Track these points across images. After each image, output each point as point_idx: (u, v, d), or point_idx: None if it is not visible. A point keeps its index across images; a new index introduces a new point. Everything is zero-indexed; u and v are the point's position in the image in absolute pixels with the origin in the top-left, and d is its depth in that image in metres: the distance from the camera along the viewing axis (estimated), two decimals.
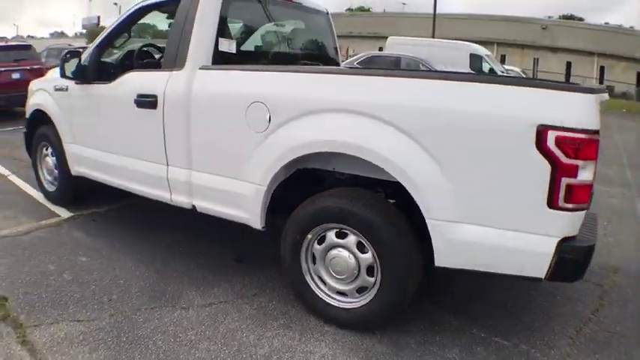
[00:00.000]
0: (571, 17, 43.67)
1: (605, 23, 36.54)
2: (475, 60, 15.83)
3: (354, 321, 2.42)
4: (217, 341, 2.36)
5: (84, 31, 52.05)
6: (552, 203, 1.91)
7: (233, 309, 2.66)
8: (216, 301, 2.74)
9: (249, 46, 3.45)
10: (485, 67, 15.95)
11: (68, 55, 3.41)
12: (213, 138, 2.76)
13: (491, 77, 2.59)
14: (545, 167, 1.88)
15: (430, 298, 2.79)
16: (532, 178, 1.91)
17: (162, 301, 2.72)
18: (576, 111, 1.86)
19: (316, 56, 3.93)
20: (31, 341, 2.29)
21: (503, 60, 30.36)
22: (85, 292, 2.80)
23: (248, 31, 3.49)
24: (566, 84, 2.05)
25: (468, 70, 14.24)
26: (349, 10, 47.01)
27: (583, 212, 2.00)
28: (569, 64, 31.56)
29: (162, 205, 3.14)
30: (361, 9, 47.81)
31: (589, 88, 1.94)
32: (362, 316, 2.39)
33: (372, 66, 12.04)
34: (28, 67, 9.45)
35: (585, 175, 1.91)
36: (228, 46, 2.93)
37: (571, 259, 1.99)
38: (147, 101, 2.97)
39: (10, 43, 13.25)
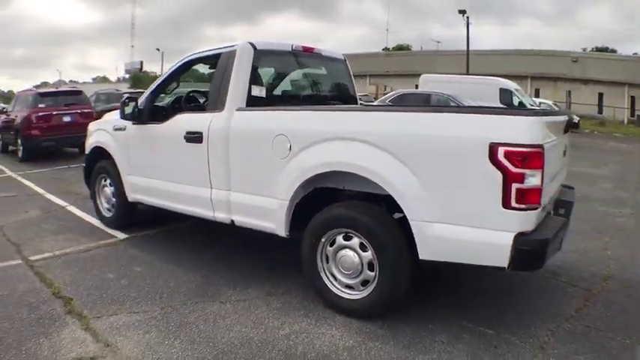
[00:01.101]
0: (605, 49, 43.39)
1: (634, 54, 36.27)
2: (505, 94, 16.40)
3: (360, 309, 2.87)
4: (248, 325, 2.85)
5: (127, 75, 56.03)
6: (506, 204, 2.35)
7: (263, 303, 3.16)
8: (250, 297, 3.25)
9: (277, 90, 4.11)
10: (515, 101, 16.33)
11: (127, 100, 4.16)
12: (247, 164, 3.38)
13: (454, 108, 3.17)
14: (498, 176, 2.35)
15: (430, 295, 3.21)
16: (488, 184, 2.37)
17: (205, 298, 3.26)
18: (521, 130, 2.35)
19: (335, 96, 4.55)
20: (93, 328, 2.85)
21: (537, 94, 30.68)
22: (139, 292, 3.37)
23: (277, 78, 4.15)
24: (514, 109, 2.61)
25: (498, 104, 14.60)
26: (386, 49, 48.69)
27: (535, 211, 2.41)
28: (600, 95, 31.55)
29: (204, 226, 3.70)
30: (400, 47, 49.81)
31: (533, 112, 2.51)
32: (365, 305, 2.84)
33: (403, 103, 12.67)
34: (78, 111, 10.46)
35: (533, 181, 2.35)
36: (259, 91, 3.59)
37: (527, 250, 2.38)
38: (194, 137, 3.65)
39: (61, 89, 14.14)
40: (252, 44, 3.60)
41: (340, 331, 2.77)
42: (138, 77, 46.70)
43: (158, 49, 48.36)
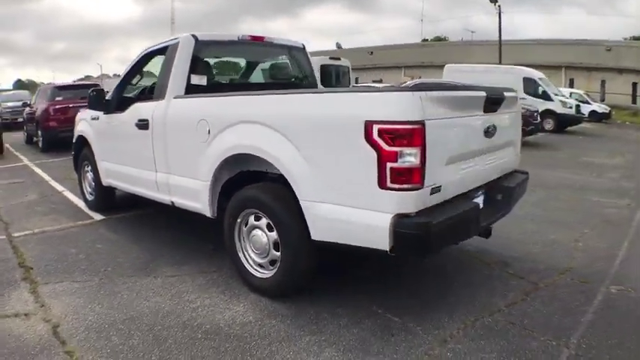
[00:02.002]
0: None
1: None
2: (529, 83, 16.55)
3: (269, 288, 3.14)
4: (166, 297, 3.22)
5: None
6: (381, 184, 2.36)
7: (190, 279, 3.51)
8: (181, 274, 3.61)
9: (223, 79, 4.43)
10: (539, 90, 16.15)
11: (93, 92, 4.60)
12: (179, 148, 3.73)
13: (333, 89, 3.29)
14: (373, 155, 2.36)
15: (360, 280, 3.45)
16: (365, 164, 2.39)
17: (143, 273, 3.65)
18: (394, 106, 2.35)
19: (289, 83, 4.81)
20: (38, 292, 3.32)
21: (571, 84, 29.65)
22: (89, 265, 3.82)
23: (220, 67, 4.47)
24: (390, 87, 2.60)
25: (522, 93, 14.44)
26: (425, 40, 49.62)
27: (415, 192, 2.37)
28: (634, 85, 30.30)
29: (173, 210, 4.01)
30: (438, 39, 50.89)
31: (408, 87, 2.45)
32: (273, 284, 3.10)
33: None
34: None
35: (410, 159, 2.33)
36: (199, 80, 3.91)
37: (407, 233, 2.34)
38: (142, 124, 4.04)
39: (78, 82, 14.91)
40: (193, 36, 3.93)
41: (245, 308, 3.05)
42: None
43: None
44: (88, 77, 64.50)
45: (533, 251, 4.01)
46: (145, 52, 4.49)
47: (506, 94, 3.20)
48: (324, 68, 14.11)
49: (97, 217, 5.30)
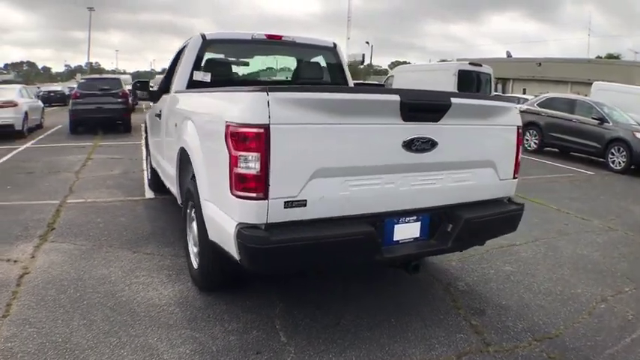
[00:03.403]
0: None
1: None
2: None
3: (195, 279, 3.41)
4: (122, 269, 3.74)
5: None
6: (230, 189, 2.33)
7: (156, 259, 3.98)
8: (155, 254, 4.10)
9: (230, 76, 4.73)
10: None
11: (137, 84, 5.40)
12: (166, 135, 4.25)
13: (223, 89, 3.09)
14: (227, 157, 2.33)
15: (294, 292, 3.53)
16: (224, 166, 2.37)
17: (128, 246, 4.26)
18: (241, 108, 2.30)
19: (309, 81, 4.79)
20: (40, 247, 4.15)
21: None
22: (96, 233, 4.58)
23: (227, 65, 4.79)
24: (254, 87, 2.33)
25: None
26: (598, 57, 47.89)
27: (255, 202, 2.25)
28: None
29: None
30: (610, 56, 49.48)
31: (262, 87, 2.26)
32: (197, 275, 3.36)
33: (551, 105, 12.50)
34: (111, 94, 13.34)
35: (250, 165, 2.22)
36: (202, 76, 4.32)
37: (246, 246, 2.27)
38: (158, 114, 4.68)
39: (101, 76, 18.20)
40: (202, 35, 4.38)
41: (172, 293, 3.35)
42: (353, 69, 51.21)
43: (367, 42, 51.68)
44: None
45: (532, 303, 3.42)
46: (178, 49, 5.12)
47: (456, 100, 2.69)
48: (462, 74, 13.95)
49: (149, 195, 6.19)
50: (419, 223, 2.78)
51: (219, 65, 4.58)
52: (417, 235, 2.80)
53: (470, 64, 14.82)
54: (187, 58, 4.35)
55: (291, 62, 5.14)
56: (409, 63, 35.74)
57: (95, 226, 4.82)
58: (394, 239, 2.71)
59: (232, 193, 2.33)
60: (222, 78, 4.44)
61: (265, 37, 4.60)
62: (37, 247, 4.13)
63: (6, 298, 3.17)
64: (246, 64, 5.15)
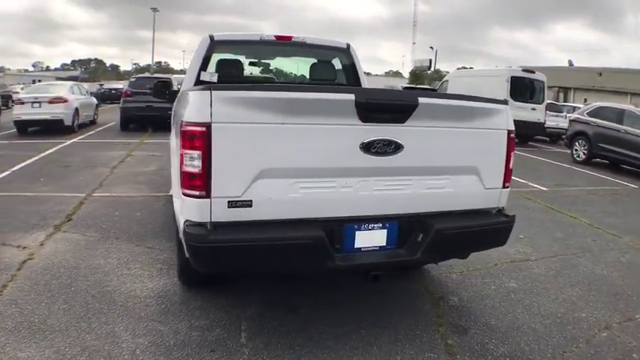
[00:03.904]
0: None
1: None
2: None
3: (178, 275, 3.51)
4: (118, 260, 3.94)
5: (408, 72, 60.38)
6: (180, 187, 2.36)
7: (154, 253, 4.15)
8: (155, 248, 4.28)
9: (238, 76, 4.80)
10: None
11: (159, 84, 5.64)
12: (172, 137, 4.41)
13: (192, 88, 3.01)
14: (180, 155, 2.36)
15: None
16: (179, 164, 2.41)
17: (132, 240, 4.47)
18: (189, 106, 2.35)
19: (320, 82, 4.83)
20: (52, 236, 4.45)
21: None
22: (108, 225, 4.84)
23: (235, 66, 4.85)
24: (202, 86, 2.35)
25: None
26: None
27: (197, 200, 2.27)
28: None
29: None
30: None
31: (206, 86, 2.28)
32: (177, 271, 3.48)
33: (600, 115, 11.93)
34: None
35: (192, 163, 2.24)
36: (209, 77, 4.43)
37: (188, 244, 2.32)
38: (171, 113, 4.88)
39: (152, 75, 18.92)
40: (210, 36, 4.51)
41: (156, 286, 3.49)
42: (417, 74, 51.03)
43: (432, 47, 51.21)
44: None
45: (525, 325, 3.17)
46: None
47: (425, 100, 2.52)
48: (515, 80, 14.11)
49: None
50: (384, 230, 2.66)
51: (227, 66, 4.69)
52: (383, 243, 2.67)
53: (523, 70, 14.76)
54: (195, 58, 4.51)
55: (304, 63, 5.17)
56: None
57: (110, 219, 5.09)
58: (355, 246, 2.60)
59: (182, 191, 2.36)
60: (231, 79, 4.54)
61: (274, 39, 4.65)
62: (48, 236, 4.43)
63: (3, 280, 3.43)
64: (257, 64, 5.24)
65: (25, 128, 12.24)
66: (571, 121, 12.89)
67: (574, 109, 15.23)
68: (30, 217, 4.99)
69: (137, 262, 3.91)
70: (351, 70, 5.02)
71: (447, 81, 18.27)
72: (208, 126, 2.22)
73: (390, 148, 2.49)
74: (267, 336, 2.85)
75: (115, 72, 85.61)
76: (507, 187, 2.99)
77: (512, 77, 14.03)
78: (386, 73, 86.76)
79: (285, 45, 4.79)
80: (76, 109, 13.00)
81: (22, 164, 7.98)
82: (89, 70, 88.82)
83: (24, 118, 12.06)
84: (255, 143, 2.30)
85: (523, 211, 6.40)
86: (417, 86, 25.81)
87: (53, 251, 4.05)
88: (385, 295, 3.51)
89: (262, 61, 5.57)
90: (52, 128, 12.06)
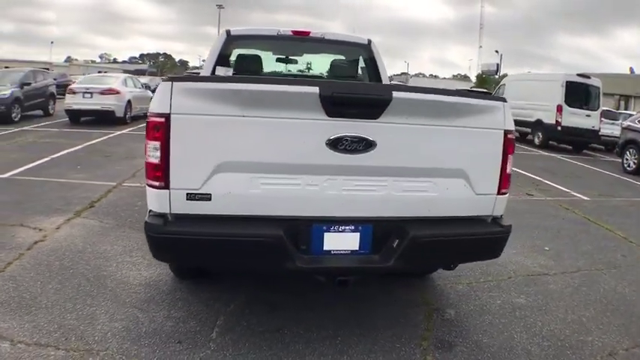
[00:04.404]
0: None
1: None
2: None
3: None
4: (123, 247, 4.10)
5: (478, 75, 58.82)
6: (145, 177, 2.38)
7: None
8: None
9: (253, 71, 4.64)
10: None
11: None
12: None
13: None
14: None
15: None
16: None
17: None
18: (154, 97, 2.33)
19: (335, 77, 4.68)
20: (70, 220, 4.72)
21: None
22: (128, 215, 5.05)
23: (251, 60, 4.74)
24: (172, 77, 2.36)
25: None
26: None
27: (157, 191, 2.29)
28: None
29: None
30: None
31: (169, 77, 2.31)
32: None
33: None
34: None
35: (153, 154, 2.26)
36: (224, 72, 4.45)
37: (146, 233, 2.35)
38: None
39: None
40: (227, 31, 4.51)
41: (149, 274, 3.58)
42: (484, 79, 50.10)
43: (497, 51, 50.02)
44: (403, 75, 71.13)
45: (519, 347, 2.92)
46: None
47: (401, 95, 2.33)
48: (570, 85, 13.98)
49: None
50: (357, 234, 2.50)
51: (245, 61, 4.64)
52: (356, 247, 2.51)
53: (578, 75, 14.48)
54: (211, 53, 4.53)
55: (324, 59, 5.09)
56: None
57: (130, 207, 5.30)
58: (324, 248, 2.47)
59: (146, 182, 2.38)
60: (247, 74, 4.48)
61: (292, 34, 4.55)
62: (67, 221, 4.68)
63: (11, 257, 3.66)
64: (284, 60, 5.21)
65: (78, 118, 13.02)
66: (623, 128, 12.08)
67: (629, 116, 14.33)
68: (55, 201, 5.30)
69: (141, 251, 4.02)
70: (372, 66, 4.83)
71: (503, 85, 17.74)
72: (167, 117, 2.21)
73: (361, 145, 2.34)
74: (239, 333, 2.84)
75: (183, 67, 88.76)
76: (504, 194, 2.73)
77: (567, 82, 13.69)
78: (454, 76, 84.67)
79: (302, 41, 4.71)
80: (129, 101, 13.66)
81: (64, 152, 8.52)
82: (157, 64, 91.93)
83: (75, 107, 12.80)
84: (215, 135, 2.27)
85: (556, 221, 6.06)
86: (474, 89, 25.25)
87: (66, 235, 4.27)
88: (375, 301, 3.41)
89: (290, 57, 5.52)
90: (104, 119, 12.76)
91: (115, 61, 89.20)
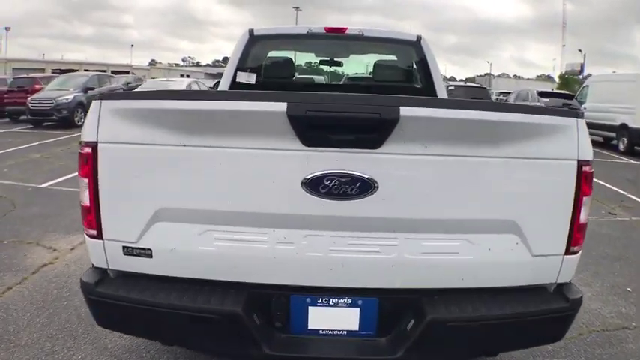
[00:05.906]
0: None
1: None
2: None
3: None
4: None
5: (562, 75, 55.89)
6: None
7: None
8: None
9: (280, 76, 4.14)
10: None
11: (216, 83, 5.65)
12: None
13: None
14: None
15: None
16: None
17: None
18: (85, 122, 1.87)
19: (385, 84, 3.98)
20: None
21: None
22: None
23: (279, 64, 4.16)
24: (104, 94, 1.97)
25: None
26: None
27: (94, 241, 1.88)
28: None
29: None
30: None
31: (104, 94, 1.89)
32: None
33: None
34: None
35: (84, 194, 1.85)
36: (246, 78, 3.83)
37: (81, 289, 1.97)
38: None
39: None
40: (250, 30, 3.91)
41: None
42: (567, 79, 48.31)
43: (580, 51, 48.21)
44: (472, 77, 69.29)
45: None
46: None
47: (414, 111, 1.65)
48: None
49: None
50: (357, 309, 1.89)
51: (274, 65, 4.12)
52: (355, 327, 1.90)
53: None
54: (232, 56, 3.97)
55: (366, 60, 4.60)
56: None
57: None
58: (309, 327, 1.90)
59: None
60: (275, 80, 4.01)
61: (325, 32, 3.89)
62: (83, 242, 4.70)
63: (13, 281, 3.70)
64: (328, 62, 4.82)
65: None
66: None
67: None
68: (78, 219, 5.37)
69: None
70: (422, 68, 4.05)
71: (587, 86, 16.46)
72: (94, 147, 1.76)
73: (353, 187, 1.70)
74: None
75: None
76: (575, 253, 1.91)
77: None
78: (537, 77, 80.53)
79: (338, 39, 4.04)
80: None
81: None
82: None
83: None
84: (149, 172, 1.78)
85: None
86: (555, 91, 23.56)
87: (77, 258, 4.28)
88: None
89: (335, 59, 4.98)
90: None
91: (198, 64, 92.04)
